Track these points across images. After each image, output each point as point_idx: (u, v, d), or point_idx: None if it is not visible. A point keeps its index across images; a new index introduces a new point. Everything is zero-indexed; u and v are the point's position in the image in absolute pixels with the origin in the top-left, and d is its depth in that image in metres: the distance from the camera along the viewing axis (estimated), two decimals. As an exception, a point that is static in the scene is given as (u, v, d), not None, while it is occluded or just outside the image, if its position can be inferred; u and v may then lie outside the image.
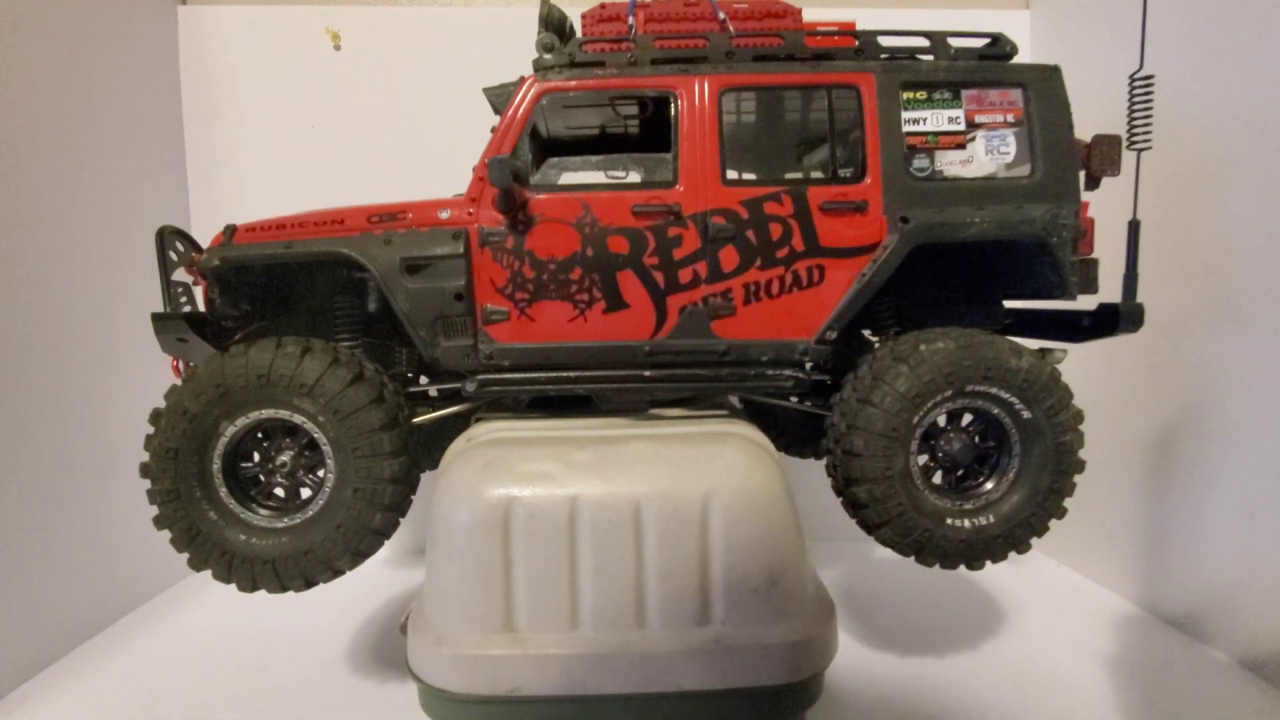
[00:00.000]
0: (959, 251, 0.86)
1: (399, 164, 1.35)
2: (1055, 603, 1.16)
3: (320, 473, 0.79)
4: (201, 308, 0.88)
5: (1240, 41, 0.95)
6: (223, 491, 0.78)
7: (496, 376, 0.83)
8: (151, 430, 0.77)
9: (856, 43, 0.83)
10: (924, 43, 0.84)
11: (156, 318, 0.82)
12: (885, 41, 0.84)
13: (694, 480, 0.72)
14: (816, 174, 1.00)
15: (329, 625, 1.10)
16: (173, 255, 0.86)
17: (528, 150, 0.83)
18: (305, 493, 0.80)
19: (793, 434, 1.10)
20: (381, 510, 0.77)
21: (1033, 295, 0.86)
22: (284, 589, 0.78)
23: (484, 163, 0.81)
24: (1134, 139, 0.80)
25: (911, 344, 0.79)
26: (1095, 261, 0.84)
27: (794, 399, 0.93)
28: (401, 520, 0.81)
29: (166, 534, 0.78)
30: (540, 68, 0.83)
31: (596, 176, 0.96)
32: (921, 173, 0.82)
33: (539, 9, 0.85)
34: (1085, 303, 0.84)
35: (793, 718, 0.74)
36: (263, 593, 0.79)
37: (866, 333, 0.96)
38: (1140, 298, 0.81)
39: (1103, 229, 0.84)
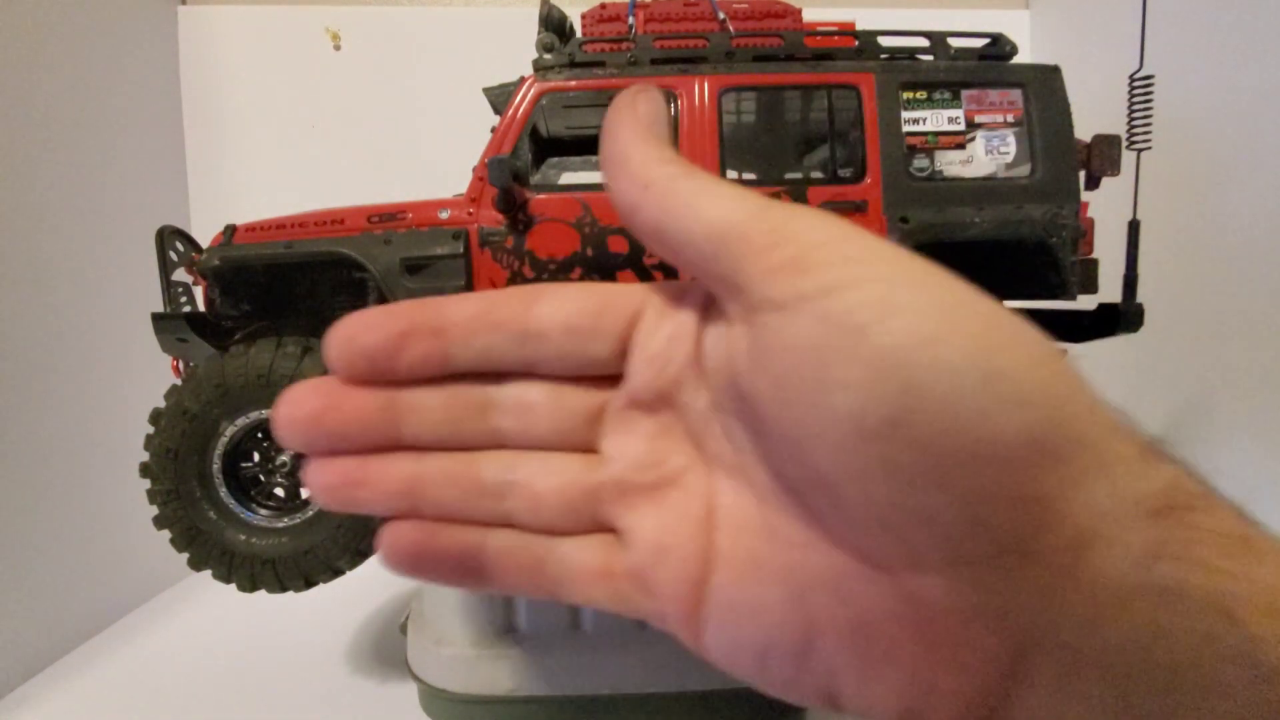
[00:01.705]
0: (958, 251, 0.86)
1: (399, 164, 1.35)
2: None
3: (320, 473, 0.79)
4: (201, 308, 0.88)
5: (1240, 41, 0.95)
6: (223, 491, 0.78)
7: (497, 376, 0.83)
8: (151, 430, 0.77)
9: (856, 43, 0.83)
10: (924, 43, 0.84)
11: (156, 318, 0.82)
12: (885, 42, 0.84)
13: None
14: (816, 174, 0.99)
15: (329, 625, 1.10)
16: (173, 255, 0.86)
17: (528, 150, 0.83)
18: (305, 493, 0.80)
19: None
20: (381, 510, 0.77)
21: (1032, 295, 0.86)
22: (284, 589, 0.78)
23: (484, 163, 0.81)
24: (1134, 139, 0.80)
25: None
26: (1095, 261, 0.84)
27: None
28: (401, 520, 0.81)
29: (166, 534, 0.78)
30: (540, 68, 0.83)
31: (596, 176, 0.96)
32: (921, 173, 0.82)
33: (539, 9, 0.85)
34: (1085, 303, 0.84)
35: (793, 718, 0.74)
36: (262, 593, 0.79)
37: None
38: (1140, 298, 0.81)
39: (1103, 229, 0.84)
